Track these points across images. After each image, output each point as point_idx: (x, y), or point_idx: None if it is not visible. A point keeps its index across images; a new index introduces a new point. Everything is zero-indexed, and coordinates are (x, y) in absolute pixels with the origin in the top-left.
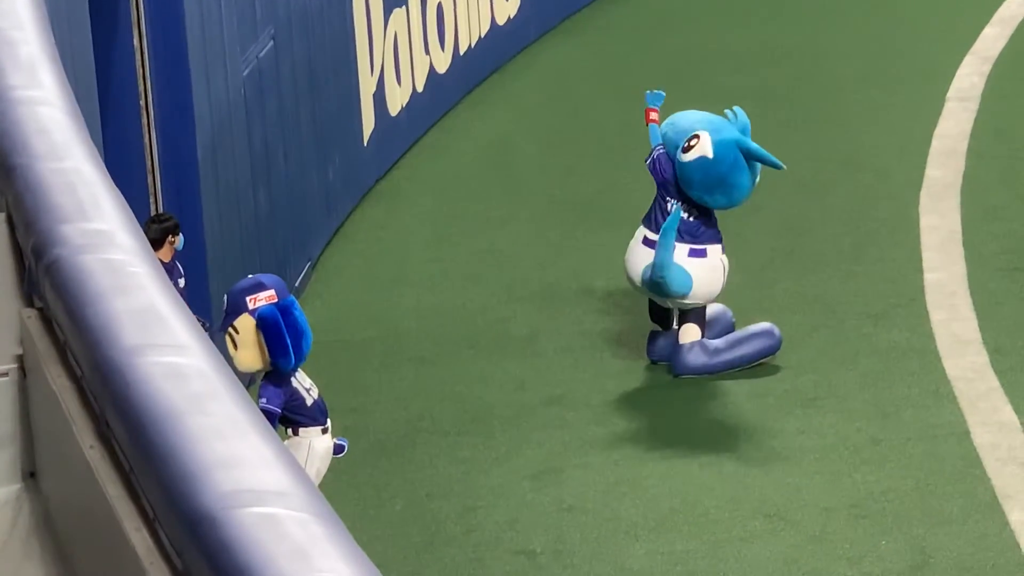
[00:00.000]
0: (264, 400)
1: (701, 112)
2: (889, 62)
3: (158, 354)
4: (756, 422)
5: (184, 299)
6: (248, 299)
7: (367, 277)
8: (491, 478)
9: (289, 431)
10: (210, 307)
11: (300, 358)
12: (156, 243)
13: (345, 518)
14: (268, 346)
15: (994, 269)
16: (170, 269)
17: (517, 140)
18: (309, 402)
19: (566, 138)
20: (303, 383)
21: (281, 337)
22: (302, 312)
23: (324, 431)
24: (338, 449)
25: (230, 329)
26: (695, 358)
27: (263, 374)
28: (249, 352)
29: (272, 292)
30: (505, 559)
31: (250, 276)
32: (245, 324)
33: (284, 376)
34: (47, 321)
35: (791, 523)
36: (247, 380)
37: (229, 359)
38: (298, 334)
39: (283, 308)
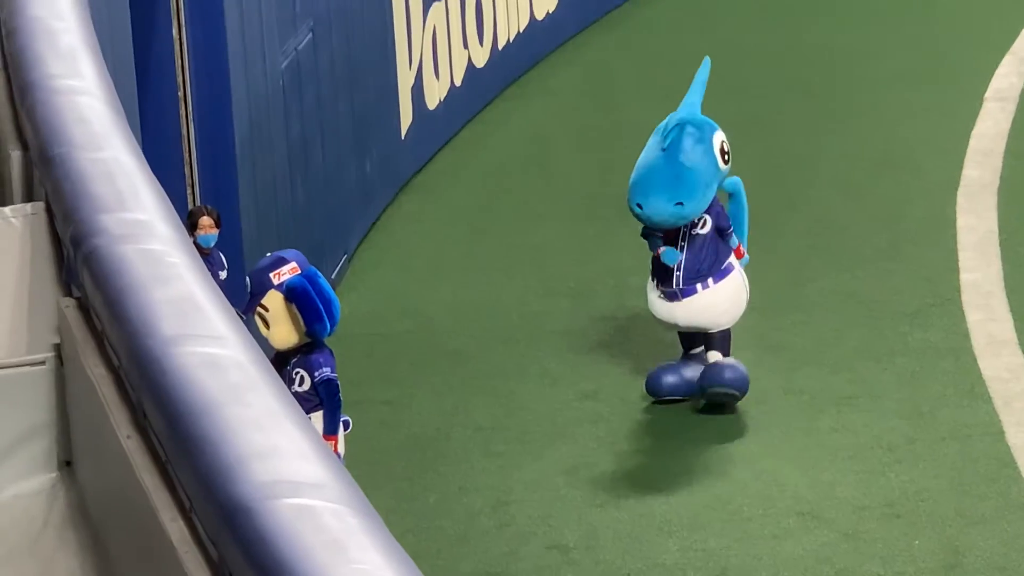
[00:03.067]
0: (328, 370)
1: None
2: (927, 61)
3: (196, 344)
4: (790, 420)
5: (223, 290)
6: (272, 275)
7: (403, 270)
8: (525, 472)
9: None
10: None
11: (334, 324)
12: None
13: (379, 510)
14: (302, 315)
15: None
16: (211, 261)
17: (555, 135)
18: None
19: (604, 134)
20: None
21: (314, 304)
22: (326, 281)
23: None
24: (345, 425)
25: (259, 309)
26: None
27: (301, 352)
28: (283, 327)
29: (294, 264)
30: (538, 553)
31: (269, 254)
32: (273, 300)
33: (325, 346)
34: (85, 310)
35: (824, 521)
36: None
37: (262, 340)
38: (328, 300)
39: (309, 277)
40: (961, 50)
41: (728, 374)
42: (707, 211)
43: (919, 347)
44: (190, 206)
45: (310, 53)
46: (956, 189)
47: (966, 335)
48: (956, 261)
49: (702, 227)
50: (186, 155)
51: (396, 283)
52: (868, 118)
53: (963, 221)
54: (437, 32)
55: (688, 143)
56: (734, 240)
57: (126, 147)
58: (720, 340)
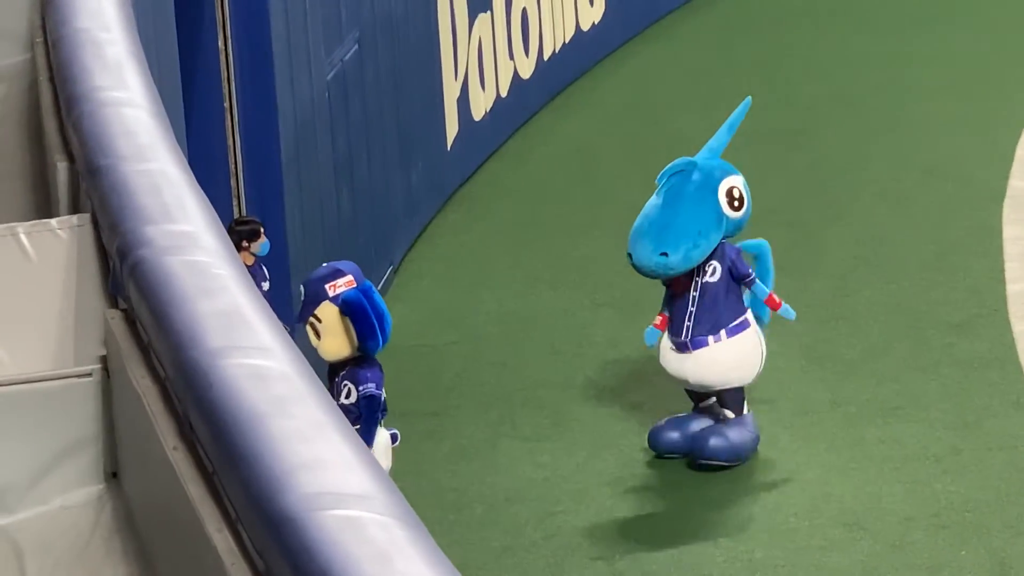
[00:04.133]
0: (373, 385)
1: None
2: (973, 71)
3: (242, 356)
4: (837, 431)
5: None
6: (328, 287)
7: (448, 281)
8: (571, 484)
9: None
10: (293, 311)
11: (386, 339)
12: None
13: (425, 522)
14: (357, 329)
15: None
16: (254, 273)
17: (600, 146)
18: (382, 396)
19: (649, 145)
20: None
21: (369, 319)
22: (380, 295)
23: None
24: (393, 438)
25: (311, 319)
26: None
27: (350, 364)
28: (335, 339)
29: (351, 277)
30: (584, 565)
31: (325, 264)
32: (327, 312)
33: (375, 361)
34: (131, 322)
35: (871, 532)
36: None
37: (311, 351)
38: (381, 315)
39: (364, 291)
40: (1007, 60)
41: (713, 442)
42: (716, 258)
43: (965, 358)
44: (236, 217)
45: (356, 64)
46: (1002, 200)
47: (1012, 346)
48: (1002, 272)
49: (712, 275)
50: (232, 166)
51: (441, 295)
52: (914, 128)
53: (1009, 232)
54: (483, 43)
55: (688, 189)
56: (762, 290)
57: (172, 159)
58: (731, 397)
